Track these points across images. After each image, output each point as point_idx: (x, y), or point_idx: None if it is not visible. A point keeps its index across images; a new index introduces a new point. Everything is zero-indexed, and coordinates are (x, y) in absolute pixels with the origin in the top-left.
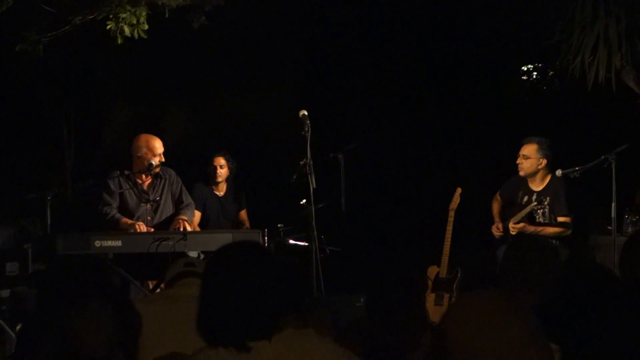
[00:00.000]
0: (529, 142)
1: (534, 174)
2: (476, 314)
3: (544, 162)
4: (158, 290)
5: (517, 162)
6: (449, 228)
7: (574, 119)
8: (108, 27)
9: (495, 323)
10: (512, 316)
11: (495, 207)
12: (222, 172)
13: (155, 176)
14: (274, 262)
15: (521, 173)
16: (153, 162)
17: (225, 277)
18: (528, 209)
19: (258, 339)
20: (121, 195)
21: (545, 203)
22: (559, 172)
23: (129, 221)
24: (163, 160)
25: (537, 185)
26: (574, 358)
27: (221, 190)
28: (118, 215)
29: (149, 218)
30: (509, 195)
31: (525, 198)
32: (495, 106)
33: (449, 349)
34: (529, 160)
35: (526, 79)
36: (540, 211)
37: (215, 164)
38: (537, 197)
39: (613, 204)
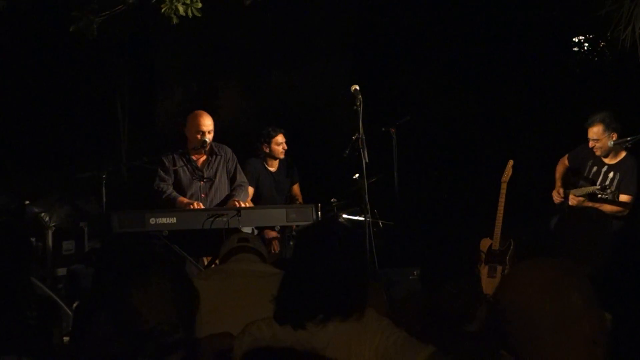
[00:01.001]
0: (593, 123)
1: (609, 151)
2: (534, 282)
3: (615, 135)
4: (212, 266)
5: (590, 145)
6: (502, 200)
7: (626, 90)
8: (163, 10)
9: (553, 292)
10: (569, 285)
11: (560, 170)
12: (283, 149)
13: (211, 153)
14: (358, 241)
15: (598, 154)
16: (207, 140)
17: (314, 253)
18: (590, 189)
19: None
20: (175, 172)
21: (609, 179)
22: (610, 143)
23: (185, 200)
24: (211, 136)
25: (609, 159)
26: (626, 327)
27: (274, 166)
28: (175, 194)
29: (202, 195)
30: (578, 163)
31: (595, 169)
32: (547, 78)
33: (506, 317)
34: (600, 142)
35: (577, 51)
36: (606, 185)
37: (279, 141)
38: (607, 170)
39: None
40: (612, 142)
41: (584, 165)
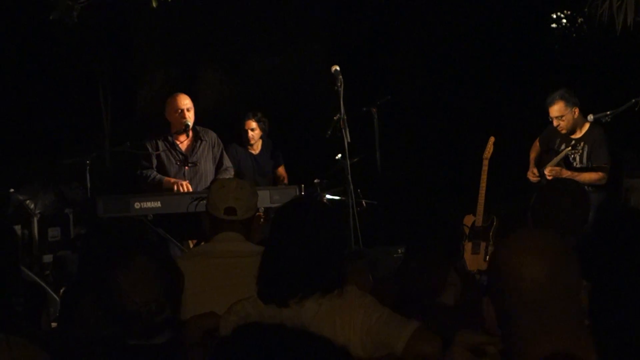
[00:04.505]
0: (553, 101)
1: (574, 127)
2: (535, 248)
3: (577, 110)
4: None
5: (554, 124)
6: (484, 177)
7: (604, 64)
8: None
9: (556, 259)
10: (568, 254)
11: (533, 154)
12: (255, 135)
13: (195, 138)
14: (333, 217)
15: (563, 132)
16: (189, 123)
17: (291, 232)
18: (563, 153)
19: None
20: (159, 157)
21: (579, 148)
22: (590, 117)
23: (172, 180)
24: (192, 115)
25: (575, 134)
26: (603, 293)
27: (256, 149)
28: (159, 176)
29: (186, 181)
30: (547, 142)
31: (563, 145)
32: (527, 54)
33: (501, 284)
34: (564, 118)
35: (556, 26)
36: (576, 156)
37: (247, 127)
38: (575, 144)
39: None
40: (591, 117)
41: (552, 143)
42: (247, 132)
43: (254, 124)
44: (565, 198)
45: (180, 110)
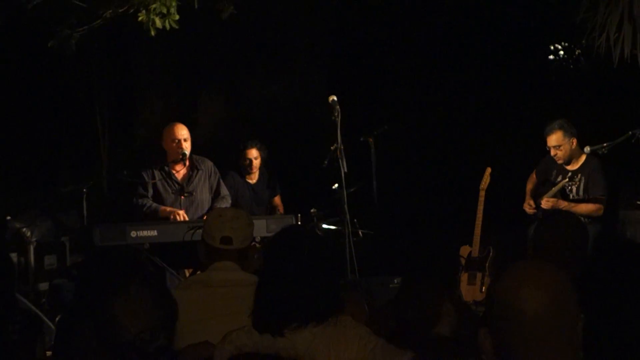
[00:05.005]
0: (552, 131)
1: (571, 157)
2: (535, 281)
3: (575, 140)
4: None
5: (552, 154)
6: (480, 208)
7: (601, 96)
8: (140, 18)
9: (553, 291)
10: (566, 286)
11: (529, 185)
12: (256, 163)
13: (192, 168)
14: (325, 247)
15: (560, 162)
16: (185, 151)
17: (284, 261)
18: (560, 185)
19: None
20: (155, 186)
21: (576, 179)
22: (587, 149)
23: (168, 208)
24: (188, 145)
25: (571, 166)
26: (598, 327)
27: (253, 178)
28: (155, 205)
29: (182, 210)
30: (544, 174)
31: (559, 177)
32: (524, 86)
33: (499, 314)
34: (561, 148)
35: (553, 58)
36: (573, 187)
37: (249, 156)
38: (571, 175)
39: None
40: (588, 149)
41: (549, 175)
42: (249, 161)
43: (255, 153)
44: (566, 230)
45: (177, 141)
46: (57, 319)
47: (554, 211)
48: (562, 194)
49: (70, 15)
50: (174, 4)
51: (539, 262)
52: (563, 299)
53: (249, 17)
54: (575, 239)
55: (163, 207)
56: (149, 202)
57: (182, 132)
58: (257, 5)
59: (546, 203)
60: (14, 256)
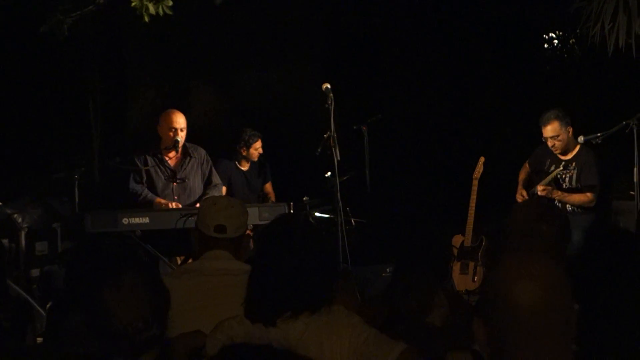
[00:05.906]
0: (548, 121)
1: (567, 147)
2: (530, 273)
3: (570, 129)
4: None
5: (549, 145)
6: (473, 197)
7: (595, 86)
8: (133, 4)
9: (551, 283)
10: (560, 277)
11: (522, 175)
12: (259, 153)
13: (184, 155)
14: (318, 235)
15: (557, 152)
16: (179, 139)
17: (277, 250)
18: (554, 174)
19: (309, 310)
20: (147, 173)
21: (571, 168)
22: (581, 139)
23: (163, 201)
24: (184, 135)
25: (566, 155)
26: (591, 316)
27: (246, 165)
28: (151, 195)
29: (175, 197)
30: (537, 164)
31: (553, 167)
32: (518, 75)
33: (495, 305)
34: (559, 138)
35: (548, 47)
36: (566, 177)
37: (256, 148)
38: (565, 164)
39: (635, 169)
40: (582, 139)
41: (542, 164)
42: (256, 151)
43: (260, 144)
44: (538, 206)
45: (174, 129)
46: (47, 305)
47: (526, 201)
48: (556, 184)
49: (63, 0)
50: None
51: (534, 254)
52: (557, 290)
53: (243, 3)
54: (550, 211)
55: (158, 200)
56: (145, 191)
57: (180, 120)
58: None
59: (542, 191)
60: (5, 242)
